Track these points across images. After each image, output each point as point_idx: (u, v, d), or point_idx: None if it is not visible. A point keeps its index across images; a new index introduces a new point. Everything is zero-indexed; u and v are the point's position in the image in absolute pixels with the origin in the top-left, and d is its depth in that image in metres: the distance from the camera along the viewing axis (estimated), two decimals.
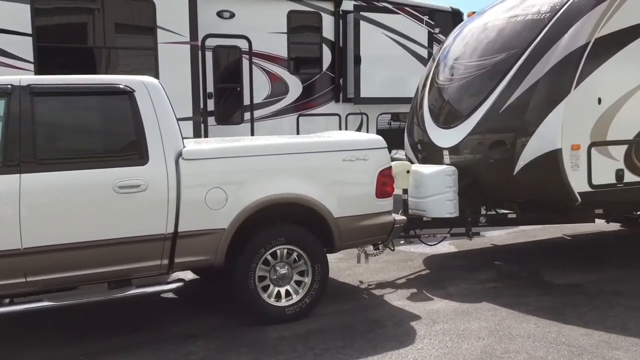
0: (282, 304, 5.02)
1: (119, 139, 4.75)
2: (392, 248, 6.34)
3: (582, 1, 6.06)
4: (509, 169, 6.15)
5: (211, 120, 10.36)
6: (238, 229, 4.79)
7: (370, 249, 6.21)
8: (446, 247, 7.80)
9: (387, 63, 11.52)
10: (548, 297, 5.63)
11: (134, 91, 4.66)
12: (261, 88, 10.75)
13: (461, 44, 7.29)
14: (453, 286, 6.09)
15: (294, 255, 5.06)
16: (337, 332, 4.85)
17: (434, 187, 6.43)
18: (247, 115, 10.65)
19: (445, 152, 6.84)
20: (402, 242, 7.01)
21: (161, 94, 4.76)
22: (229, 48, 10.45)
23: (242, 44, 10.48)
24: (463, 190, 6.65)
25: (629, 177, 6.14)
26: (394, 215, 5.68)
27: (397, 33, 11.51)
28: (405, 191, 6.59)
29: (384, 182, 5.43)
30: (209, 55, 10.25)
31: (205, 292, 6.12)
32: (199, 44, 9.84)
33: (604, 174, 6.03)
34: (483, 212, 7.04)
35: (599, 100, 5.97)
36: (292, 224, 5.09)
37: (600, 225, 8.09)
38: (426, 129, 7.24)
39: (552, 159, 5.86)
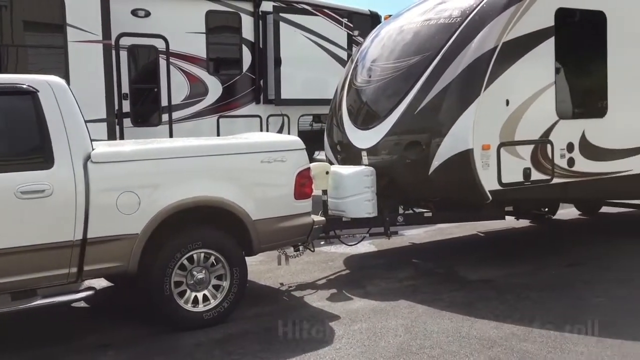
0: (199, 310, 4.91)
1: (21, 142, 4.51)
2: (312, 249, 6.35)
3: (490, 7, 6.30)
4: (425, 169, 6.30)
5: (127, 121, 10.03)
6: (152, 234, 4.65)
7: (290, 250, 6.22)
8: (366, 246, 7.90)
9: (307, 65, 11.55)
10: (462, 293, 5.81)
11: (38, 91, 4.44)
12: (179, 89, 10.52)
13: (378, 47, 7.42)
14: (372, 285, 6.17)
15: (212, 259, 4.97)
16: (256, 336, 4.80)
17: (353, 187, 6.50)
18: (165, 117, 10.38)
19: (364, 153, 6.92)
20: (322, 242, 7.05)
21: (67, 95, 4.55)
22: (145, 47, 10.15)
23: (159, 44, 10.20)
24: (382, 190, 6.76)
25: (536, 175, 6.43)
26: (313, 216, 5.69)
27: (317, 35, 11.57)
28: (324, 192, 6.62)
29: (303, 184, 5.43)
30: (123, 54, 9.92)
31: (119, 299, 5.92)
32: (112, 43, 9.52)
33: (513, 173, 6.29)
34: (401, 211, 7.18)
35: (507, 102, 6.22)
36: (209, 227, 5.00)
37: (510, 221, 8.44)
38: (345, 130, 7.32)
39: (464, 158, 6.05)
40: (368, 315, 5.20)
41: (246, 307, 5.39)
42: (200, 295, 4.94)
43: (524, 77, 6.35)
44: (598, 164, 6.89)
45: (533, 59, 6.37)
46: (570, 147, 6.66)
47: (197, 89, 10.72)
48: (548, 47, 6.47)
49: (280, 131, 11.53)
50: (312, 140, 9.50)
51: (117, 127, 9.84)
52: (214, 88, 10.90)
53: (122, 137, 9.86)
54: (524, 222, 9.33)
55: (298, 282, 6.37)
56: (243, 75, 11.25)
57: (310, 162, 5.74)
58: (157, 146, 5.29)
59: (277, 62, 11.23)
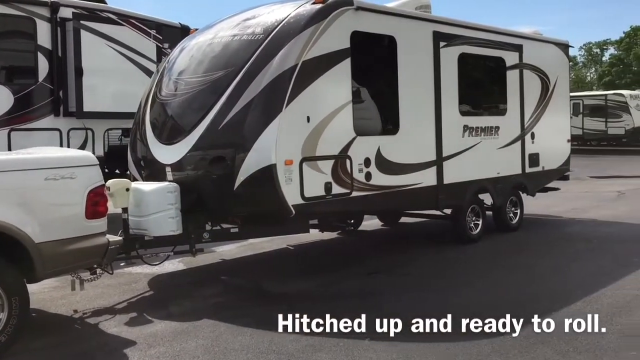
0: None
1: None
2: (110, 272, 5.95)
3: (291, 26, 6.48)
4: (230, 184, 6.25)
5: None
6: None
7: (86, 274, 5.79)
8: (175, 265, 7.65)
9: (114, 76, 10.96)
10: (266, 308, 5.82)
11: None
12: None
13: (184, 60, 7.26)
14: (176, 305, 5.96)
15: None
16: None
17: (155, 204, 6.24)
18: None
19: (168, 169, 6.70)
20: (122, 263, 6.67)
21: None
22: None
23: None
24: (188, 206, 6.60)
25: (336, 189, 6.69)
26: (108, 236, 5.35)
27: (124, 46, 11.05)
28: (124, 210, 6.28)
29: (96, 202, 5.08)
30: None
31: None
32: None
33: (315, 187, 6.48)
34: (209, 227, 7.05)
35: (308, 119, 6.41)
36: None
37: (319, 234, 8.71)
38: (149, 145, 7.03)
39: (268, 173, 6.11)
40: (168, 338, 4.98)
41: (32, 339, 4.89)
42: None
43: (323, 95, 6.60)
44: (392, 178, 7.38)
45: (331, 78, 6.66)
46: (367, 162, 7.05)
47: None
48: (345, 68, 6.81)
49: (83, 146, 10.77)
50: (123, 155, 9.02)
51: None
52: (4, 98, 9.87)
53: None
54: (331, 234, 9.71)
55: (95, 307, 5.93)
56: (39, 85, 10.34)
57: (125, 178, 5.40)
58: None
59: (79, 72, 10.49)
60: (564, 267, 7.28)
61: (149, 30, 11.54)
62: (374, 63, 7.48)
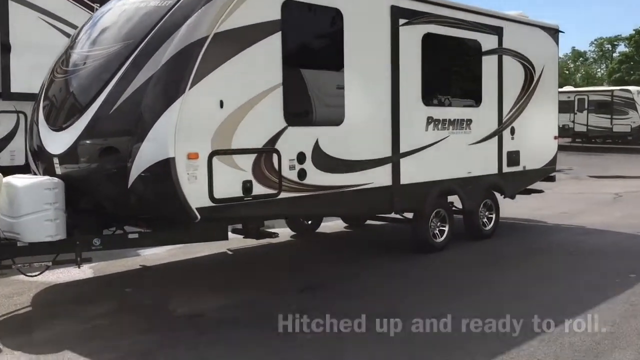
0: None
1: None
2: None
3: None
4: (123, 181, 5.11)
5: None
6: None
7: None
8: (82, 271, 6.55)
9: (49, 53, 9.81)
10: (150, 336, 4.70)
11: None
12: None
13: (86, 31, 6.12)
14: (44, 329, 4.85)
15: None
16: None
17: (29, 204, 5.12)
18: None
19: (56, 160, 5.58)
20: None
21: None
22: None
23: None
24: (78, 206, 5.49)
25: (259, 189, 5.55)
26: None
27: (62, 20, 9.88)
28: None
29: None
30: None
31: None
32: None
33: (229, 187, 5.33)
34: (110, 232, 5.92)
35: (221, 104, 5.25)
36: None
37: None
38: (39, 131, 5.90)
39: (164, 169, 4.96)
40: None
41: None
42: None
43: (243, 76, 5.43)
44: (334, 177, 6.22)
45: (254, 56, 5.49)
46: (301, 158, 5.89)
47: None
48: (273, 44, 5.64)
49: (14, 132, 9.65)
50: None
51: None
52: None
53: None
54: (283, 237, 8.59)
55: None
56: None
57: None
58: None
59: (6, 48, 9.35)
60: (529, 287, 6.11)
61: (91, 4, 10.37)
62: (314, 40, 6.30)
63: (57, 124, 5.65)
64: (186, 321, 5.09)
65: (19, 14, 9.46)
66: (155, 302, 5.63)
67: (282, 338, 4.68)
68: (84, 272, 6.63)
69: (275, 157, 5.67)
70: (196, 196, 5.11)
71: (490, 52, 8.25)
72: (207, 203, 5.19)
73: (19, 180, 5.25)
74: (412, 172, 7.11)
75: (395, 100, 6.91)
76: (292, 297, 5.81)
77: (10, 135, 9.42)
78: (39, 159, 5.91)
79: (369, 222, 9.43)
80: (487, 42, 8.20)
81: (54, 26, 9.72)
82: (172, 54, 5.10)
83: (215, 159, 5.22)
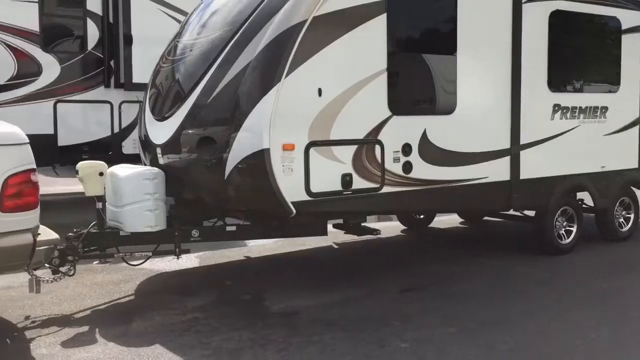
0: None
1: None
2: (69, 274, 5.00)
3: None
4: (220, 172, 4.99)
5: None
6: None
7: (46, 273, 4.89)
8: (189, 260, 6.60)
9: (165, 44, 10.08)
10: (242, 333, 4.53)
11: None
12: (3, 67, 8.93)
13: (191, 20, 6.08)
14: (143, 320, 4.83)
15: None
16: None
17: (130, 194, 5.15)
18: None
19: (159, 150, 5.58)
20: (95, 262, 5.69)
21: None
22: None
23: None
24: (180, 197, 5.48)
25: (359, 182, 5.20)
26: (45, 232, 4.35)
27: (178, 11, 10.11)
28: (98, 199, 5.25)
29: (18, 192, 4.04)
30: None
31: None
32: None
33: (327, 180, 5.04)
34: (210, 223, 5.86)
35: (320, 92, 4.95)
36: None
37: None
38: (145, 121, 5.95)
39: (259, 161, 4.76)
40: None
41: None
42: None
43: (344, 62, 5.08)
44: (443, 170, 5.73)
45: (356, 40, 5.12)
46: (406, 149, 5.47)
47: (27, 68, 9.16)
48: (377, 27, 5.24)
49: (137, 120, 10.03)
50: None
51: None
52: (50, 67, 9.35)
53: None
54: (393, 232, 8.20)
55: (53, 313, 4.98)
56: (88, 54, 9.73)
57: None
58: None
59: (128, 40, 9.74)
60: None
61: None
62: (422, 22, 5.80)
63: (161, 114, 5.65)
64: (280, 319, 4.87)
65: (141, 6, 9.80)
66: (252, 297, 5.47)
67: (378, 344, 4.32)
68: (191, 261, 6.67)
69: (378, 148, 5.29)
70: (291, 189, 4.86)
71: (631, 30, 7.26)
72: (303, 197, 4.93)
73: (121, 170, 5.30)
74: (535, 165, 6.41)
75: (516, 86, 6.23)
76: (394, 297, 5.42)
77: (133, 125, 9.80)
78: (146, 149, 5.97)
79: (487, 218, 8.77)
80: (629, 18, 7.22)
81: (173, 17, 9.95)
82: (268, 41, 4.87)
83: (312, 151, 4.94)
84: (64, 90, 9.45)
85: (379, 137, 5.30)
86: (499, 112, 6.16)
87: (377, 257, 7.14)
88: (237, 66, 4.97)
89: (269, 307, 5.19)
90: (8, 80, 8.99)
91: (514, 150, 6.26)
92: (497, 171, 6.15)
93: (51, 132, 9.36)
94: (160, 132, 5.56)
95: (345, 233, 6.22)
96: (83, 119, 9.67)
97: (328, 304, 5.21)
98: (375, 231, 5.81)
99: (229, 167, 4.92)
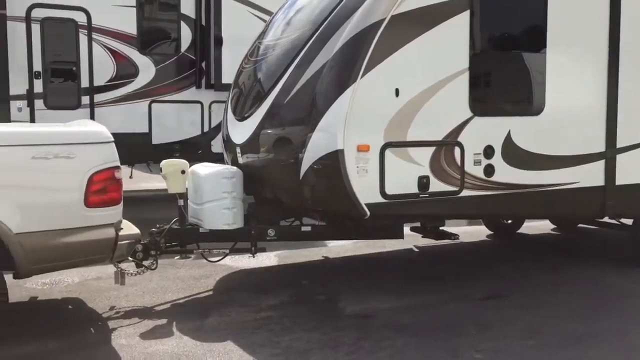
0: None
1: None
2: (152, 267, 5.19)
3: None
4: (296, 173, 5.01)
5: (39, 103, 9.04)
6: None
7: (131, 266, 5.12)
8: (268, 258, 6.71)
9: None
10: (313, 334, 4.52)
11: None
12: (103, 68, 9.47)
13: (273, 21, 6.15)
14: (219, 316, 4.94)
15: None
16: None
17: (209, 192, 5.28)
18: (85, 100, 9.35)
19: (238, 150, 5.69)
20: (176, 257, 5.86)
21: None
22: (61, 21, 9.12)
23: (79, 17, 9.17)
24: (261, 197, 5.56)
25: (437, 185, 5.06)
26: (127, 226, 4.55)
27: (265, 12, 10.28)
28: (180, 195, 5.42)
29: (103, 189, 4.24)
30: (36, 28, 8.92)
31: None
32: (24, 15, 8.55)
33: (403, 182, 4.93)
34: (287, 222, 5.90)
35: (397, 92, 4.85)
36: None
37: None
38: (227, 121, 6.09)
39: (333, 161, 4.73)
40: None
41: (28, 341, 4.29)
42: None
43: (423, 61, 4.95)
44: (528, 174, 5.45)
45: (436, 38, 4.98)
46: (488, 152, 5.25)
47: (125, 70, 9.64)
48: (460, 24, 5.07)
49: None
50: None
51: (28, 110, 8.90)
52: (146, 69, 9.80)
53: (32, 121, 8.89)
54: (477, 236, 7.94)
55: (136, 305, 5.19)
56: (181, 56, 10.11)
57: None
58: None
59: (218, 41, 10.03)
60: None
61: None
62: (509, 17, 5.54)
63: (241, 114, 5.76)
64: (353, 321, 4.82)
65: (231, 8, 10.06)
66: (327, 297, 5.46)
67: (451, 353, 4.18)
68: (269, 259, 6.76)
69: (457, 150, 5.12)
70: (366, 191, 4.80)
71: None
72: (378, 199, 4.85)
73: (202, 169, 5.44)
74: (633, 171, 5.97)
75: (613, 85, 5.83)
76: (472, 305, 5.22)
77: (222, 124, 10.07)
78: (227, 149, 6.11)
79: (581, 225, 8.28)
80: None
81: (260, 18, 10.13)
82: (345, 40, 4.82)
83: (388, 152, 4.85)
84: (158, 90, 9.88)
85: (458, 139, 5.12)
86: (593, 112, 5.79)
87: (458, 262, 6.92)
88: (314, 65, 4.96)
89: (343, 309, 5.16)
90: (107, 82, 9.51)
91: (610, 154, 5.86)
92: (590, 176, 5.78)
93: (146, 130, 9.80)
94: (240, 131, 5.67)
95: (422, 237, 6.07)
96: (175, 119, 10.06)
97: (403, 309, 5.10)
98: (453, 236, 5.62)
99: (304, 168, 4.92)
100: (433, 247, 7.33)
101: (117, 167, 4.37)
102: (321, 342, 4.39)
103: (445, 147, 5.08)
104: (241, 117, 5.72)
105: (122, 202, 4.43)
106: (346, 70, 4.76)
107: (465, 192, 5.17)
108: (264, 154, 5.42)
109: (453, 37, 5.06)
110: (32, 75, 8.90)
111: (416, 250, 7.32)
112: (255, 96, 5.59)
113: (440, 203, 5.10)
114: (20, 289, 5.52)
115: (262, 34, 6.19)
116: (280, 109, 5.20)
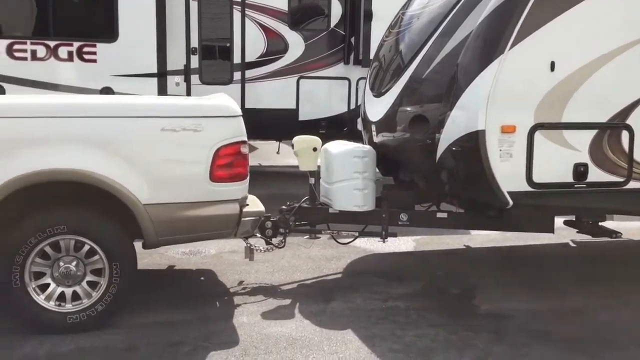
0: (65, 310, 3.98)
1: None
2: (280, 245, 5.12)
3: None
4: (432, 155, 4.61)
5: (195, 78, 9.42)
6: None
7: (260, 243, 5.10)
8: (405, 243, 6.39)
9: None
10: (440, 331, 4.13)
11: None
12: (255, 45, 9.61)
13: None
14: (344, 301, 4.73)
15: (86, 248, 3.99)
16: (119, 353, 3.77)
17: (340, 171, 5.04)
18: (237, 75, 9.59)
19: (373, 128, 5.39)
20: (306, 237, 5.71)
21: None
22: None
23: None
24: (397, 178, 5.25)
25: (596, 174, 4.37)
26: (253, 202, 4.49)
27: None
28: (311, 173, 5.26)
29: (229, 163, 4.18)
30: (194, 5, 9.27)
31: None
32: None
33: (555, 169, 4.33)
34: (424, 207, 5.50)
35: (552, 66, 4.23)
36: (79, 208, 4.00)
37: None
38: (365, 97, 5.80)
39: (472, 143, 4.26)
40: (273, 349, 3.85)
41: (158, 310, 4.42)
42: (69, 292, 4.00)
43: (585, 31, 4.26)
44: None
45: (604, 5, 4.25)
46: None
47: (276, 46, 9.71)
48: None
49: None
50: None
51: (184, 85, 9.32)
52: (295, 45, 9.79)
53: (188, 95, 9.31)
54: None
55: (264, 282, 5.15)
56: (331, 31, 9.95)
57: None
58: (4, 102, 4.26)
59: (368, 16, 9.71)
60: None
61: None
62: None
63: (378, 89, 5.43)
64: (486, 321, 4.35)
65: None
66: (461, 292, 5.01)
67: None
68: (406, 244, 6.42)
69: (624, 135, 4.38)
70: (509, 178, 4.27)
71: None
72: (524, 187, 4.30)
73: (334, 147, 5.22)
74: None
75: None
76: (631, 315, 4.49)
77: None
78: (365, 127, 5.83)
79: None
80: None
81: None
82: (493, 7, 4.28)
83: (538, 134, 4.26)
84: (306, 67, 9.83)
85: (627, 122, 4.38)
86: None
87: (621, 263, 6.05)
88: (457, 37, 4.49)
89: (477, 306, 4.69)
90: (258, 57, 9.65)
91: None
92: None
93: (293, 107, 9.83)
94: (376, 108, 5.35)
95: (577, 232, 5.35)
96: (323, 95, 9.97)
97: (545, 312, 4.51)
98: (615, 234, 4.87)
99: (440, 149, 4.50)
100: (594, 243, 6.48)
101: (244, 142, 4.27)
102: (447, 341, 4.00)
103: (610, 131, 4.36)
104: (378, 92, 5.40)
105: (247, 178, 4.34)
106: (493, 39, 4.23)
107: (633, 184, 4.42)
108: (399, 132, 5.07)
109: (624, 2, 4.28)
110: (190, 51, 9.26)
111: (573, 245, 6.53)
112: (394, 70, 5.23)
113: (600, 195, 4.42)
114: (161, 257, 5.74)
115: (407, 4, 5.78)
116: (419, 83, 4.80)
